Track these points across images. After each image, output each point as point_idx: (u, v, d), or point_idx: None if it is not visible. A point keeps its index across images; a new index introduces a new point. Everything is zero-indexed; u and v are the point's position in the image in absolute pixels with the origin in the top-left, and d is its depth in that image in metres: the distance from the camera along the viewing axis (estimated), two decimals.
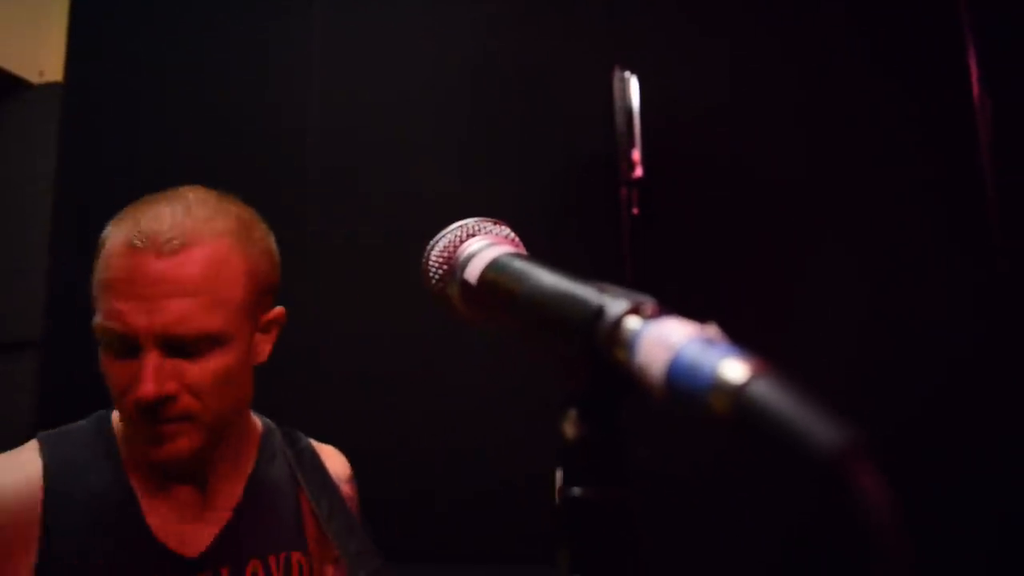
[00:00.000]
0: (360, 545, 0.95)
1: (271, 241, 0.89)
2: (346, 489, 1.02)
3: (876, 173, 1.85)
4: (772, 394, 0.31)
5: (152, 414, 0.76)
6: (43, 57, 2.45)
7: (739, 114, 1.95)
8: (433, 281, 0.60)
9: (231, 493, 0.89)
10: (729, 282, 1.87)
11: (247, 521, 0.89)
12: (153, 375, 0.74)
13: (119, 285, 0.74)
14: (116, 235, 0.77)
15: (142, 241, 0.74)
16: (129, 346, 0.75)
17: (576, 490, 0.44)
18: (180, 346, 0.76)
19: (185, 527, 0.84)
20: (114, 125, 2.32)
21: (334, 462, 1.04)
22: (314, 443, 1.03)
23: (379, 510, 1.33)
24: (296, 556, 0.92)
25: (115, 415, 0.87)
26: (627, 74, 1.90)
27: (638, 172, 1.87)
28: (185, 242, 0.75)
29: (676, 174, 1.91)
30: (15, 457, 0.82)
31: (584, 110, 2.00)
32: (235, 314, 0.80)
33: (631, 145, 1.88)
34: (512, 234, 0.62)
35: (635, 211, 1.87)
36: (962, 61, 1.82)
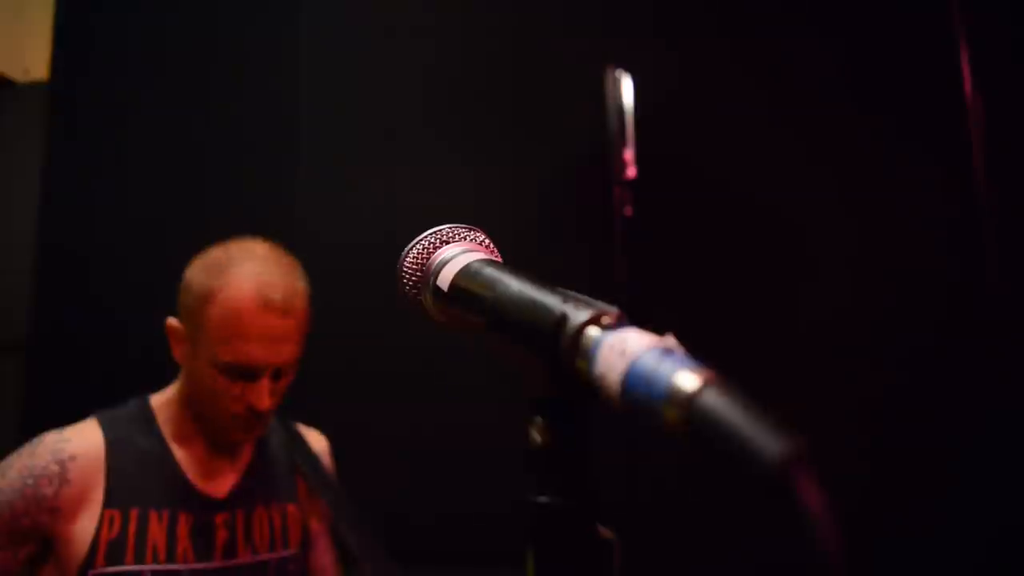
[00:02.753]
0: (339, 498, 1.25)
1: None
2: (326, 460, 1.32)
3: (869, 171, 1.86)
4: (721, 405, 0.31)
5: (259, 416, 1.09)
6: (28, 55, 2.44)
7: (732, 113, 1.95)
8: (407, 287, 0.60)
9: (244, 456, 1.20)
10: (721, 281, 1.87)
11: (255, 477, 1.19)
12: (268, 394, 1.08)
13: (251, 333, 1.04)
14: (233, 293, 1.05)
15: (266, 304, 1.05)
16: (248, 374, 1.06)
17: (541, 497, 0.45)
18: (280, 372, 1.09)
19: (212, 478, 1.15)
20: (100, 123, 2.30)
21: (316, 440, 1.33)
22: (299, 425, 1.33)
23: (369, 510, 1.33)
24: (291, 507, 1.23)
25: (154, 400, 1.17)
26: (620, 73, 1.90)
27: (631, 172, 1.87)
28: (293, 305, 1.08)
29: (669, 174, 1.91)
30: (81, 428, 1.11)
31: (577, 110, 2.00)
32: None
33: (624, 145, 1.88)
34: (486, 240, 0.62)
35: (628, 211, 1.87)
36: (954, 60, 1.82)
